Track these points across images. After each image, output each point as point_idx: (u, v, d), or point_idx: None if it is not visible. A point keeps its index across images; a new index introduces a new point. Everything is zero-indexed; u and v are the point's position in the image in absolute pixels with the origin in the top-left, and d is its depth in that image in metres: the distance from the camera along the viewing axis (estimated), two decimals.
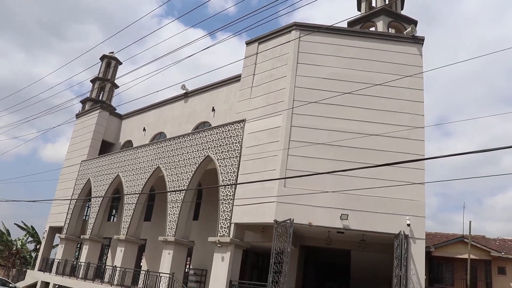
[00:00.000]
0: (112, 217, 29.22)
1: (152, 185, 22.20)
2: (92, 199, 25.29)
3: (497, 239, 23.21)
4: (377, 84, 15.91)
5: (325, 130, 15.85)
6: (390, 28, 20.07)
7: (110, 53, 32.67)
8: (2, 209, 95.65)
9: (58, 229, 27.86)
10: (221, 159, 17.83)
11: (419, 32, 17.55)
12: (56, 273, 24.40)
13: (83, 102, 32.96)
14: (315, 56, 17.19)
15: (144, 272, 19.24)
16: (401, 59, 16.73)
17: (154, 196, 24.70)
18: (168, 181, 20.03)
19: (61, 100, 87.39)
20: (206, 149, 18.78)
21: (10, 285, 26.91)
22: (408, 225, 14.15)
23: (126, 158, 23.58)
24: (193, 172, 18.89)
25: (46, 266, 26.37)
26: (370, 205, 14.65)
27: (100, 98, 32.63)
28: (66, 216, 26.72)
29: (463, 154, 7.10)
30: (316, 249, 19.78)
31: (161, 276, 17.79)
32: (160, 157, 21.13)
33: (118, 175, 23.64)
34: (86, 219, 27.88)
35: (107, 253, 27.27)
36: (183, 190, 18.79)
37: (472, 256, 19.41)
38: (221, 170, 17.57)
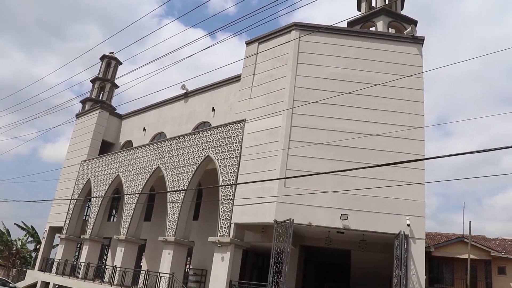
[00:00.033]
0: (112, 217, 29.23)
1: (152, 185, 22.20)
2: (92, 199, 25.30)
3: (497, 239, 23.21)
4: (377, 84, 15.91)
5: (325, 130, 15.85)
6: (390, 28, 20.08)
7: (110, 53, 32.68)
8: (2, 209, 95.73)
9: (58, 229, 27.87)
10: (221, 159, 17.83)
11: (419, 32, 17.57)
12: (56, 273, 24.41)
13: (83, 102, 32.97)
14: (315, 56, 17.19)
15: (144, 272, 19.24)
16: (401, 59, 16.73)
17: (154, 196, 24.70)
18: (168, 181, 20.03)
19: (61, 100, 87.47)
20: (206, 149, 18.78)
21: (10, 285, 26.91)
22: (408, 225, 14.15)
23: (126, 158, 23.58)
24: (193, 172, 18.89)
25: (46, 266, 26.38)
26: (370, 205, 14.65)
27: (100, 98, 32.63)
28: (66, 216, 26.72)
29: (463, 154, 7.10)
30: (316, 249, 19.78)
31: (161, 276, 17.79)
32: (160, 157, 21.13)
33: (118, 175, 23.64)
34: (86, 219, 27.88)
35: (107, 253, 27.27)
36: (183, 190, 18.79)
37: (472, 256, 19.41)
38: (221, 170, 17.57)
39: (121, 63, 33.56)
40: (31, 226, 40.42)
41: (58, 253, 26.56)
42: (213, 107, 23.43)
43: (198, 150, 19.17)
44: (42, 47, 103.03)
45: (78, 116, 31.53)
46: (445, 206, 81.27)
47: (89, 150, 28.19)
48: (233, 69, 52.56)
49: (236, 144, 17.49)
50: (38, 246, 38.02)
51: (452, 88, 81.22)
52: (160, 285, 17.63)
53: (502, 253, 20.02)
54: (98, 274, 22.06)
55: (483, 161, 74.20)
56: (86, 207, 28.60)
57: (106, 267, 21.90)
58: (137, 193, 21.49)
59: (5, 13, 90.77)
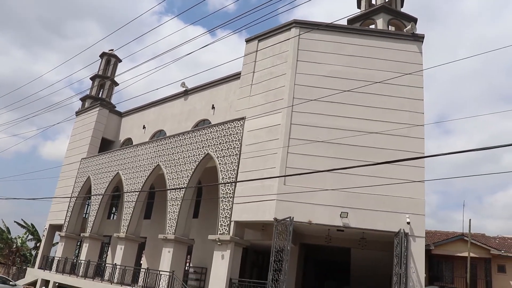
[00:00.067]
0: (112, 215, 29.23)
1: (152, 183, 22.19)
2: (92, 197, 25.32)
3: (497, 237, 23.20)
4: (377, 82, 15.88)
5: (325, 128, 15.83)
6: (390, 26, 20.00)
7: (109, 50, 32.66)
8: (2, 207, 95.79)
9: (58, 227, 27.88)
10: (221, 157, 17.81)
11: (419, 30, 17.50)
12: (56, 271, 24.42)
13: (83, 99, 32.92)
14: (315, 54, 17.15)
15: (144, 270, 19.25)
16: (401, 57, 16.70)
17: (154, 194, 24.68)
18: (168, 179, 20.02)
19: (60, 98, 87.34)
20: (206, 147, 18.76)
21: (10, 283, 26.92)
22: (408, 223, 14.15)
23: (126, 156, 23.57)
24: (193, 170, 18.87)
25: (46, 264, 26.41)
26: (370, 203, 14.65)
27: (100, 96, 32.60)
28: (66, 214, 26.73)
29: (463, 152, 7.08)
30: (316, 247, 19.79)
31: (161, 274, 17.81)
32: (160, 155, 21.11)
33: (118, 173, 23.63)
34: (86, 217, 27.88)
35: (107, 251, 27.29)
36: (183, 188, 18.78)
37: (472, 254, 19.41)
38: (221, 168, 17.56)
39: (120, 61, 33.55)
40: (31, 224, 40.46)
41: (58, 251, 26.60)
42: (213, 105, 23.39)
43: (198, 148, 19.15)
44: (42, 45, 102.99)
45: (77, 113, 31.50)
46: (445, 204, 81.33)
47: (89, 148, 28.18)
48: (233, 66, 52.53)
49: (236, 142, 17.47)
50: (38, 244, 38.03)
51: (451, 86, 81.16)
52: (160, 283, 17.65)
53: (502, 251, 20.01)
54: (98, 272, 22.05)
55: (483, 159, 74.14)
56: (86, 205, 28.61)
57: (106, 265, 21.92)
58: (137, 191, 21.49)
59: (5, 10, 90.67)
